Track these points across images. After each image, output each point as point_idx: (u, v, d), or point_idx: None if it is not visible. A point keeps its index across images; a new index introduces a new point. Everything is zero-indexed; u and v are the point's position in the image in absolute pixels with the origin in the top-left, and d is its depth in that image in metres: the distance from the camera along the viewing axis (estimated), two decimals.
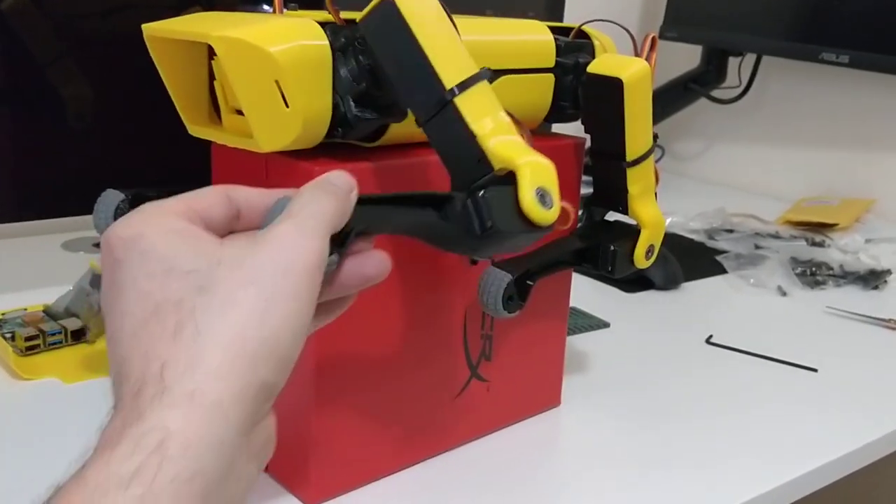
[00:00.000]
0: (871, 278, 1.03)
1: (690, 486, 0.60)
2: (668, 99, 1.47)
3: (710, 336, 0.86)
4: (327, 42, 0.47)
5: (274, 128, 0.47)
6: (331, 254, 0.36)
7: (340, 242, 0.37)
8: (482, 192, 0.43)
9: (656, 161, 0.64)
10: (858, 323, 0.92)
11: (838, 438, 0.68)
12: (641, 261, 0.63)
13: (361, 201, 0.39)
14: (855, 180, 1.36)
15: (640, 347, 0.83)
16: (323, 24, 0.48)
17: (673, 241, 1.14)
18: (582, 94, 0.61)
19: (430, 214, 0.43)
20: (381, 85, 0.48)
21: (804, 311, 0.95)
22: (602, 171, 0.63)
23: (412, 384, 0.58)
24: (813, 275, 1.04)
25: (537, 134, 0.63)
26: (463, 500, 0.57)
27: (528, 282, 0.58)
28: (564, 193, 0.64)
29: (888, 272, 1.05)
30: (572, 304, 0.93)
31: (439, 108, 0.46)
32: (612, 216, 0.65)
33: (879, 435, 0.69)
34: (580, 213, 0.65)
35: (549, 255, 0.61)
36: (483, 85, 0.47)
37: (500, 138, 0.46)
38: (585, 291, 0.96)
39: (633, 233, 0.63)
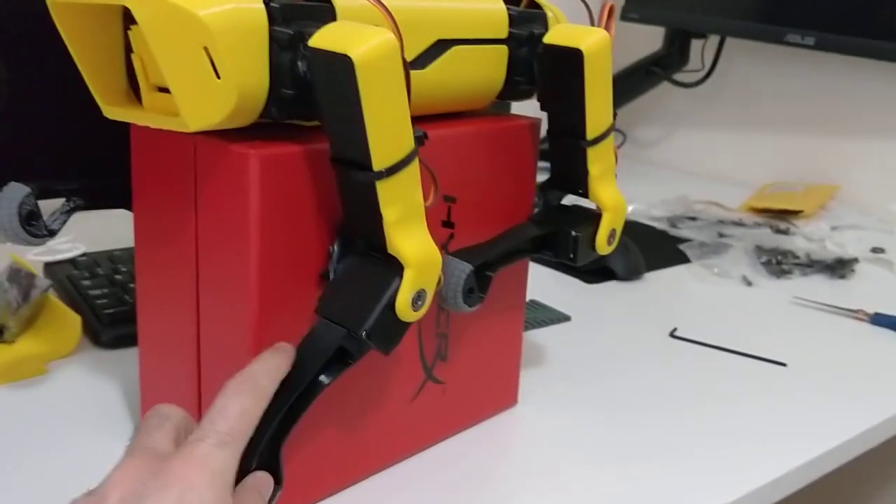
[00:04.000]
0: (838, 267, 1.00)
1: (652, 485, 0.56)
2: (630, 83, 1.43)
3: (675, 329, 0.82)
4: (262, 5, 0.42)
5: (203, 103, 0.41)
6: None
7: None
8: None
9: (617, 147, 0.59)
10: (826, 314, 0.89)
11: (810, 437, 0.64)
12: (603, 246, 0.59)
13: None
14: (819, 166, 1.33)
15: (602, 341, 0.79)
16: None
17: (635, 230, 1.10)
18: (538, 67, 0.56)
19: None
20: (311, 104, 0.43)
21: (770, 301, 0.91)
22: (560, 151, 0.58)
23: (362, 392, 0.52)
24: (779, 264, 1.01)
25: (491, 114, 0.58)
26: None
27: (488, 272, 0.54)
28: (519, 176, 0.60)
29: (855, 260, 1.02)
30: (532, 296, 0.89)
31: (360, 179, 0.42)
32: (569, 200, 0.61)
33: (854, 433, 0.65)
34: (536, 199, 0.61)
35: (507, 244, 0.56)
36: (410, 167, 0.43)
37: (402, 229, 0.44)
38: (545, 283, 0.91)
39: (593, 217, 0.58)
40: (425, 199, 0.44)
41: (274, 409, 0.41)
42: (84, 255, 0.82)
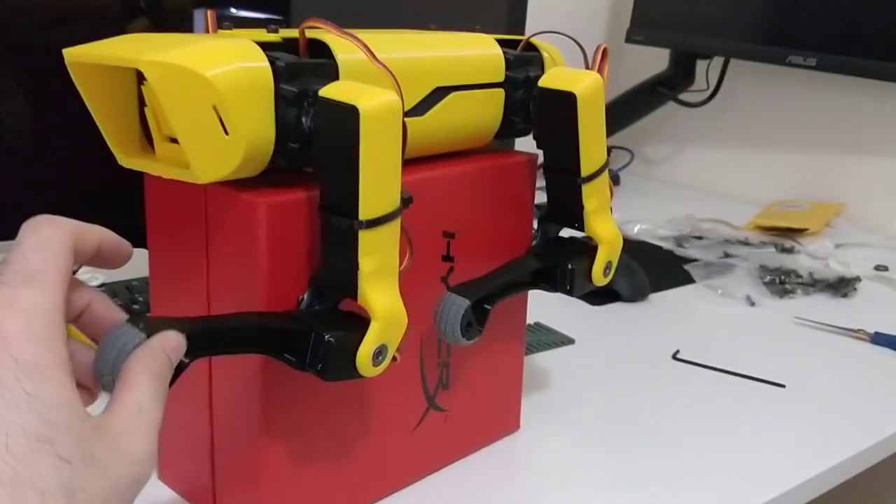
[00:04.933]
0: (841, 286, 1.02)
1: None
2: (636, 103, 1.45)
3: (677, 351, 0.84)
4: (267, 63, 0.44)
5: (213, 157, 0.44)
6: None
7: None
8: (328, 336, 0.45)
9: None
10: (827, 333, 0.90)
11: (807, 459, 0.66)
12: (599, 278, 0.61)
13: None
14: (825, 184, 1.34)
15: (606, 364, 0.81)
16: (261, 45, 0.45)
17: (641, 250, 1.12)
18: (533, 108, 0.58)
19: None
20: (310, 154, 0.46)
21: (772, 321, 0.93)
22: (556, 187, 0.60)
23: (366, 421, 0.55)
24: (782, 283, 1.02)
25: (490, 151, 0.61)
26: None
27: (486, 305, 0.56)
28: (518, 210, 0.62)
29: (857, 279, 1.03)
30: (536, 318, 0.91)
31: (345, 225, 0.45)
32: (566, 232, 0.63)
33: (849, 454, 0.67)
34: (535, 230, 0.63)
35: (505, 278, 0.58)
36: (393, 224, 0.46)
37: (376, 283, 0.46)
38: (550, 305, 0.93)
39: (589, 249, 0.60)
40: (400, 261, 0.47)
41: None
42: (102, 285, 0.85)
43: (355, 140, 0.42)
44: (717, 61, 1.38)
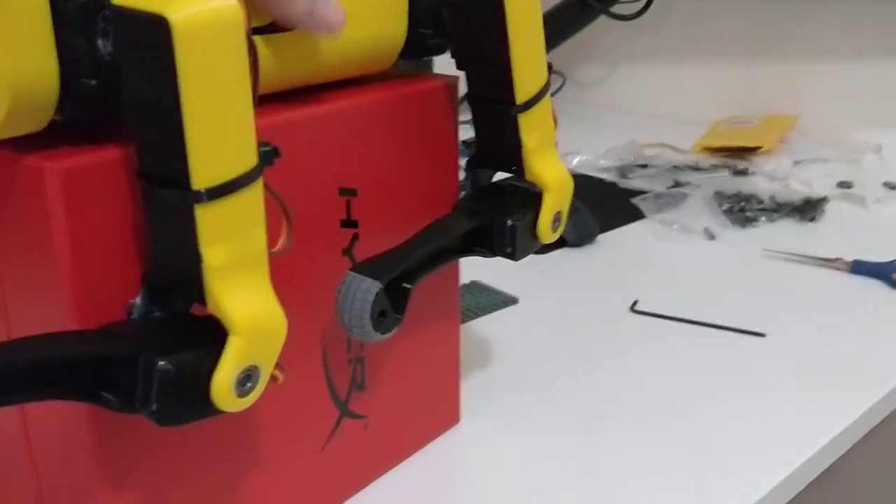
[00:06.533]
0: (807, 209, 0.91)
1: (625, 496, 0.46)
2: (564, 19, 1.30)
3: (635, 303, 0.72)
4: None
5: None
6: None
7: None
8: (162, 361, 0.30)
9: (557, 89, 0.47)
10: (800, 265, 0.79)
11: (807, 428, 0.55)
12: (547, 233, 0.48)
13: None
14: (775, 97, 1.23)
15: (555, 326, 0.68)
16: None
17: (582, 185, 0.99)
18: (447, 15, 0.44)
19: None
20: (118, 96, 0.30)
21: (738, 256, 0.82)
22: (485, 120, 0.46)
23: (254, 451, 0.41)
24: (742, 211, 0.91)
25: (395, 77, 0.46)
26: None
27: (406, 285, 0.42)
28: (437, 154, 0.48)
29: (825, 200, 0.93)
30: (472, 277, 0.78)
31: (173, 200, 0.30)
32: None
33: (856, 416, 0.56)
34: (462, 179, 0.49)
35: (428, 247, 0.44)
36: (249, 192, 0.30)
37: (231, 280, 0.31)
38: (487, 261, 0.80)
39: (532, 199, 0.47)
40: (272, 242, 0.33)
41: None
42: None
43: (169, 68, 0.28)
44: None
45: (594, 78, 1.45)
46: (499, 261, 0.80)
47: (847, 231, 0.88)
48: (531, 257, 0.80)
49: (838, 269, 0.78)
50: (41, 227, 0.32)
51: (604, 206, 0.92)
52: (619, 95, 1.43)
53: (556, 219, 0.48)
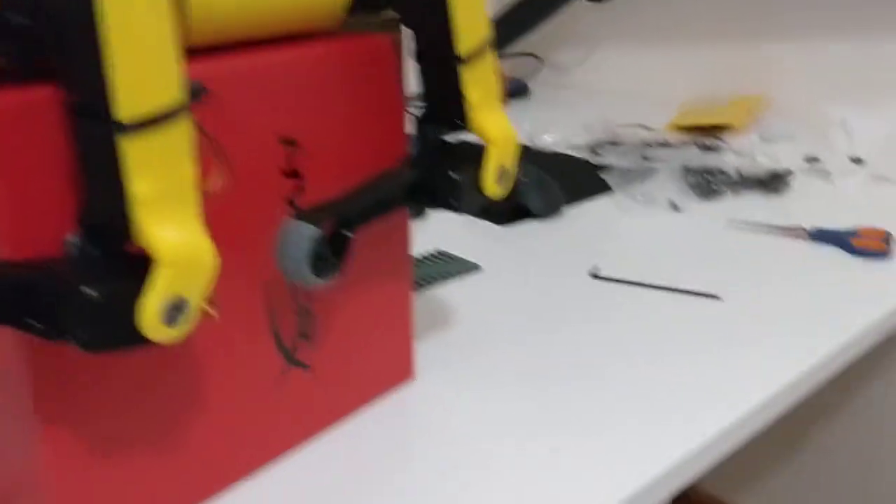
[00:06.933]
0: (772, 182, 0.92)
1: (587, 459, 0.47)
2: (540, 4, 1.31)
3: (596, 269, 0.73)
4: None
5: None
6: None
7: None
8: (88, 289, 0.31)
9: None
10: (762, 235, 0.81)
11: (754, 381, 0.56)
12: (492, 187, 0.49)
13: None
14: (744, 77, 1.24)
15: (517, 293, 0.69)
16: None
17: (553, 161, 1.01)
18: None
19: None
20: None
21: (700, 227, 0.83)
22: (430, 75, 0.47)
23: (198, 393, 0.42)
24: (707, 183, 0.92)
25: (341, 33, 0.47)
26: None
27: (346, 232, 0.43)
28: (383, 112, 0.49)
29: (789, 173, 0.94)
30: (439, 244, 0.79)
31: (96, 132, 0.31)
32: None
33: (801, 370, 0.57)
34: (413, 137, 0.50)
35: (372, 195, 0.45)
36: (175, 126, 0.31)
37: (158, 213, 0.32)
38: (452, 229, 0.81)
39: (478, 153, 0.48)
40: (204, 179, 0.33)
41: None
42: None
43: None
44: None
45: (571, 61, 1.46)
46: (464, 230, 0.82)
47: (811, 203, 0.89)
48: (496, 230, 0.82)
49: (799, 237, 0.79)
50: None
51: (572, 180, 0.93)
52: (594, 77, 1.44)
53: (502, 173, 0.49)
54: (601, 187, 0.93)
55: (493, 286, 0.70)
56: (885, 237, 0.76)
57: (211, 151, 0.35)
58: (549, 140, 1.10)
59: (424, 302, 0.67)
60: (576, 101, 1.36)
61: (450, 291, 0.69)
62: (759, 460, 1.27)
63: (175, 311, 0.33)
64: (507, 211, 0.84)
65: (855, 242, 0.76)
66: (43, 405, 0.36)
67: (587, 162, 1.02)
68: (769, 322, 0.63)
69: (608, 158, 1.02)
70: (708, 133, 1.10)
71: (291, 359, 0.46)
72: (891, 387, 1.07)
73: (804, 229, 0.79)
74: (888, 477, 1.13)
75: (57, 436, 0.37)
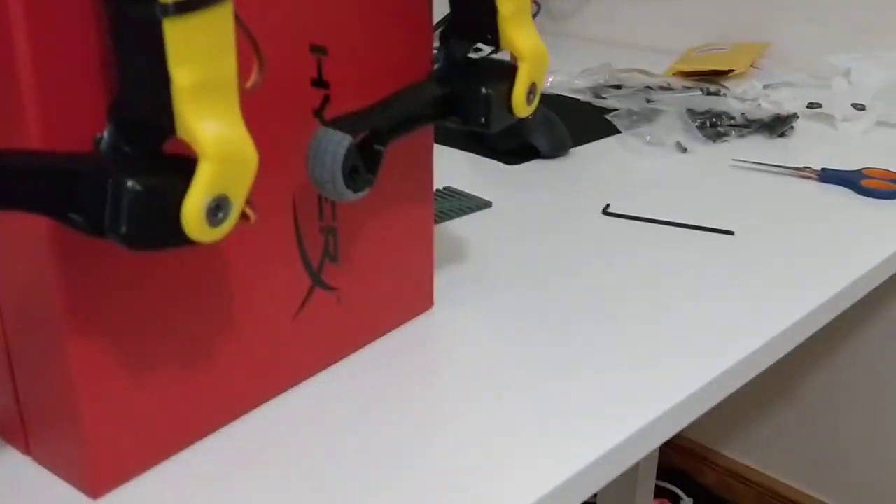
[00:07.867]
0: (777, 125, 0.92)
1: (599, 383, 0.47)
2: None
3: (608, 205, 0.72)
4: None
5: None
6: None
7: None
8: (132, 181, 0.30)
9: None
10: (770, 175, 0.80)
11: (773, 313, 0.56)
12: (522, 106, 0.47)
13: None
14: (747, 24, 1.23)
15: (528, 227, 0.68)
16: None
17: (556, 103, 0.99)
18: None
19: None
20: None
21: (709, 167, 0.82)
22: None
23: (226, 307, 0.41)
24: (714, 126, 0.91)
25: None
26: (326, 446, 0.42)
27: (378, 146, 0.42)
28: (411, 23, 0.47)
29: (794, 116, 0.93)
30: (446, 183, 0.78)
31: (137, 14, 0.29)
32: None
33: (819, 302, 0.57)
34: (436, 52, 0.48)
35: (401, 109, 0.44)
36: (219, 12, 0.30)
37: (199, 104, 0.30)
38: (460, 167, 0.80)
39: (507, 70, 0.46)
40: (244, 76, 0.32)
41: None
42: None
43: None
44: None
45: (569, 8, 1.44)
46: (472, 169, 0.80)
47: (816, 146, 0.88)
48: (505, 168, 0.80)
49: (807, 177, 0.79)
50: (4, 54, 0.31)
51: (578, 121, 0.92)
52: (593, 25, 1.42)
53: (532, 91, 0.47)
54: (608, 129, 0.92)
55: (504, 221, 0.69)
56: (895, 178, 0.76)
57: (249, 45, 0.33)
58: (550, 82, 1.09)
59: (437, 236, 0.66)
60: (575, 49, 1.34)
61: (462, 226, 0.68)
62: (751, 409, 1.29)
63: (217, 209, 0.32)
64: (515, 150, 0.83)
65: (864, 183, 0.76)
66: (75, 319, 0.34)
67: (591, 105, 1.01)
68: (784, 258, 0.63)
69: (611, 101, 1.01)
70: (710, 78, 1.09)
71: (318, 279, 0.45)
72: (891, 325, 1.08)
73: (813, 170, 0.79)
74: (890, 415, 1.15)
75: (89, 349, 0.35)
